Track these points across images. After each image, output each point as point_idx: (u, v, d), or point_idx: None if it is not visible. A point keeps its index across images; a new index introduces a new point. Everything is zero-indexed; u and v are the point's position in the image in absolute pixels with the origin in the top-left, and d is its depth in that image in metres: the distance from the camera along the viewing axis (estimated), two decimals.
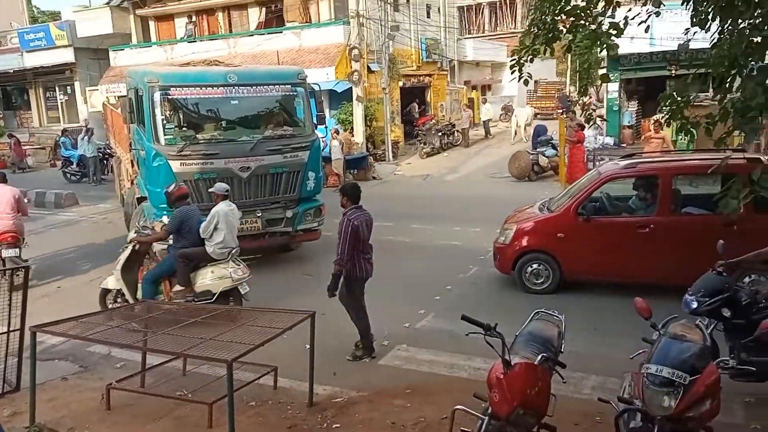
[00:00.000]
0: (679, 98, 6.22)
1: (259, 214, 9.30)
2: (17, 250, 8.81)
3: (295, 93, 9.84)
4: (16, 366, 5.60)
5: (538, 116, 27.83)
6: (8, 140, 24.02)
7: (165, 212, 8.78)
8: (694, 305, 4.90)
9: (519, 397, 3.39)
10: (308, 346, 5.30)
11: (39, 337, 5.11)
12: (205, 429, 4.85)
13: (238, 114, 9.62)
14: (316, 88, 10.38)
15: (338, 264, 6.11)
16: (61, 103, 30.86)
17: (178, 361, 5.88)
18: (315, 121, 10.21)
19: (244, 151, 9.10)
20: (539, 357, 3.60)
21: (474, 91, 31.81)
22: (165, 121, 8.97)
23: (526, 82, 6.27)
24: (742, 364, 4.66)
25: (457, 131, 24.27)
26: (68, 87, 30.14)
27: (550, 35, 5.91)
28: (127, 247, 7.41)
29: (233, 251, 7.36)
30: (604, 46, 6.00)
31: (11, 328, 5.65)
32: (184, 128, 9.19)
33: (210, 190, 7.99)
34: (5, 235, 8.76)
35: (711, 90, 16.74)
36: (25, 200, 10.89)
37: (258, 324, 5.43)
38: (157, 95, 8.91)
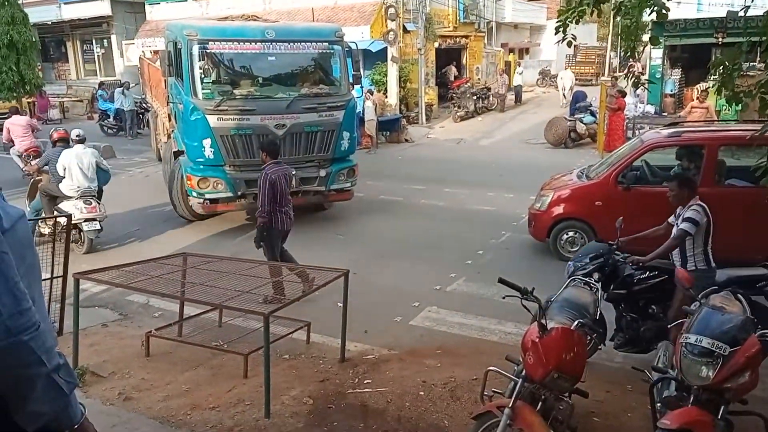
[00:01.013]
0: (730, 66, 6.01)
1: (294, 172, 9.29)
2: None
3: (332, 51, 9.76)
4: (59, 312, 5.82)
5: (577, 81, 27.20)
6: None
7: (202, 167, 8.98)
8: (572, 269, 5.01)
9: (555, 361, 3.39)
10: (340, 304, 5.37)
11: (80, 284, 5.26)
12: (241, 378, 4.97)
13: (275, 71, 9.58)
14: (353, 47, 10.26)
15: (260, 216, 6.55)
16: (98, 56, 31.12)
17: (213, 312, 6.02)
18: (351, 81, 10.12)
19: (280, 108, 9.07)
20: (576, 323, 3.59)
21: (511, 54, 31.16)
22: (203, 76, 8.97)
23: (569, 44, 6.10)
24: (632, 333, 4.93)
25: (493, 95, 23.89)
26: (105, 40, 30.34)
27: None
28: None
29: (83, 190, 8.38)
30: (655, 7, 5.78)
31: (54, 275, 5.86)
32: (221, 83, 9.19)
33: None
34: (29, 150, 12.26)
35: (758, 59, 16.22)
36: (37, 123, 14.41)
37: (293, 279, 5.53)
38: (195, 49, 8.89)
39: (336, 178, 9.67)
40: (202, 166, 9.02)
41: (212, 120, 8.77)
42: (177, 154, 9.87)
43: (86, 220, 8.33)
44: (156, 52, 10.89)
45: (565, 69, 28.58)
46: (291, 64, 9.67)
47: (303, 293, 5.04)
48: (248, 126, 8.92)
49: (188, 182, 9.13)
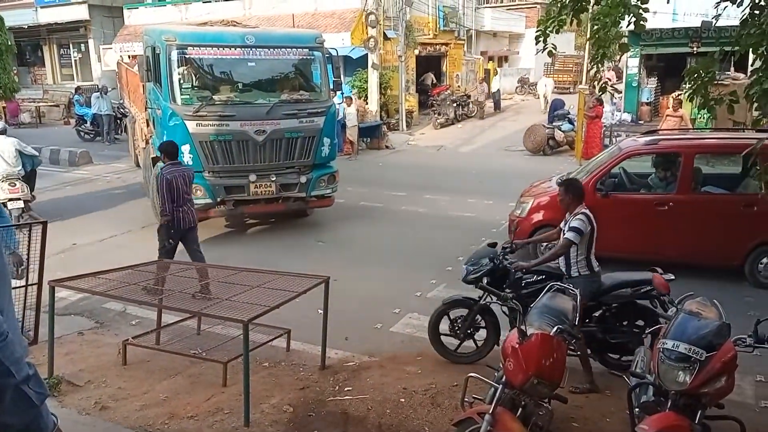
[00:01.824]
0: (703, 74, 6.12)
1: (274, 179, 9.24)
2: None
3: (312, 57, 9.73)
4: (34, 320, 5.71)
5: (555, 90, 27.49)
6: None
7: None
8: (464, 274, 5.22)
9: (534, 366, 3.42)
10: (321, 311, 5.35)
11: (56, 292, 5.17)
12: (220, 387, 4.93)
13: (255, 76, 9.52)
14: (334, 53, 10.24)
15: (163, 215, 6.88)
16: (75, 60, 30.76)
17: (192, 320, 5.95)
18: (332, 87, 10.09)
19: (260, 114, 9.02)
20: (555, 329, 3.62)
21: (490, 62, 31.40)
22: (181, 81, 8.89)
23: (550, 54, 6.17)
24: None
25: (472, 103, 24.05)
26: (82, 45, 30.00)
27: (577, 5, 5.78)
28: None
29: (7, 174, 9.13)
30: (632, 17, 5.87)
31: (29, 282, 5.75)
32: (200, 89, 9.12)
33: None
34: None
35: (732, 69, 16.51)
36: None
37: (272, 287, 5.48)
38: (174, 54, 8.82)
39: (317, 185, 9.62)
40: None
41: (191, 126, 8.69)
42: (155, 160, 9.70)
43: (10, 199, 9.14)
44: (134, 56, 10.77)
45: (545, 76, 28.88)
46: (271, 70, 9.63)
47: (284, 300, 4.98)
48: (228, 132, 8.85)
49: None
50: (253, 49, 9.20)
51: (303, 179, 9.45)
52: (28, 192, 9.55)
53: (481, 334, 5.43)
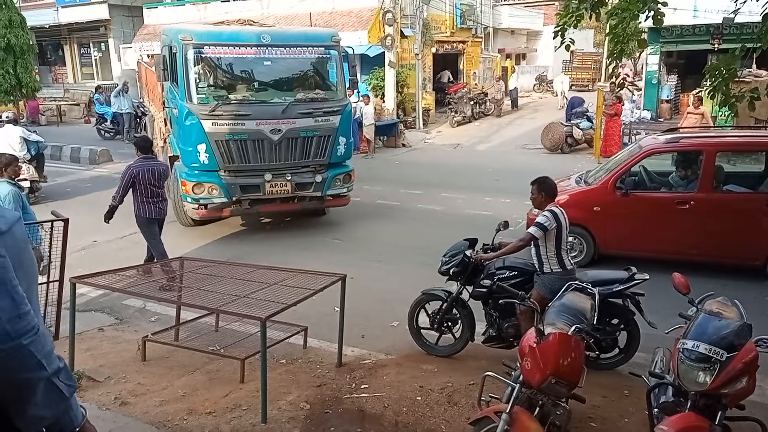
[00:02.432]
0: (724, 71, 6.05)
1: (289, 178, 9.25)
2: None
3: (328, 56, 9.70)
4: (55, 316, 5.80)
5: (573, 87, 27.30)
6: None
7: (197, 172, 8.92)
8: (439, 265, 5.39)
9: (552, 366, 3.39)
10: (337, 309, 5.37)
11: (76, 289, 5.24)
12: (237, 383, 4.96)
13: (271, 75, 9.52)
14: (350, 51, 10.18)
15: (112, 200, 7.38)
16: (96, 59, 31.13)
17: (210, 317, 6.01)
18: (347, 86, 10.03)
19: (275, 113, 9.01)
20: (573, 328, 3.59)
21: (508, 59, 31.26)
22: (198, 80, 8.91)
23: (567, 48, 6.14)
24: (496, 329, 5.21)
25: (489, 101, 23.95)
26: (102, 44, 30.36)
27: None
28: None
29: None
30: (650, 12, 5.82)
31: (51, 279, 5.84)
32: (216, 88, 9.15)
33: None
34: None
35: (754, 65, 16.30)
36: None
37: (289, 284, 5.50)
38: (190, 53, 8.85)
39: (332, 184, 9.60)
40: (196, 172, 8.96)
41: (207, 125, 8.72)
42: (172, 159, 9.82)
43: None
44: (153, 56, 10.80)
45: (563, 73, 28.74)
46: (287, 69, 9.61)
47: (301, 298, 5.00)
48: (243, 131, 8.87)
49: (183, 188, 9.08)
50: (269, 48, 9.22)
51: (318, 178, 9.44)
52: (35, 173, 11.12)
53: (460, 327, 5.54)
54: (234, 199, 9.05)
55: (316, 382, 5.00)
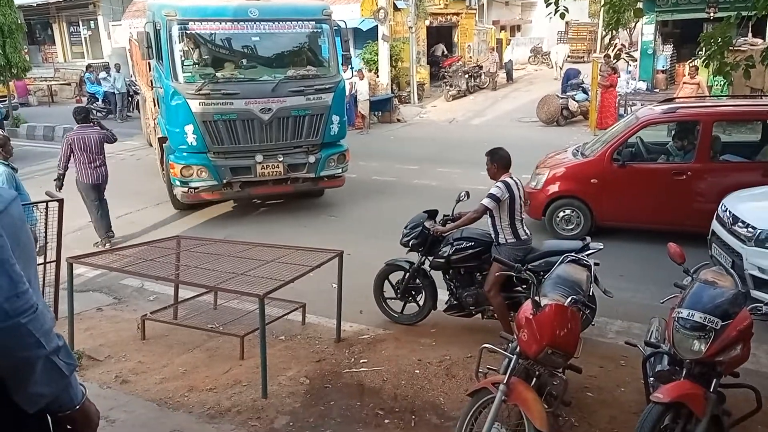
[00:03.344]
0: (720, 39, 6.02)
1: (281, 159, 8.97)
2: None
3: (319, 30, 9.31)
4: (53, 296, 5.80)
5: (569, 59, 27.09)
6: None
7: (185, 154, 8.69)
8: (401, 237, 5.55)
9: (548, 337, 3.42)
10: (335, 285, 5.39)
11: (74, 269, 5.24)
12: (237, 360, 5.00)
13: (260, 52, 9.21)
14: (342, 25, 9.80)
15: (58, 169, 8.13)
16: (85, 38, 30.72)
17: (209, 295, 6.03)
18: (341, 61, 9.71)
19: (265, 92, 8.70)
20: (569, 299, 3.62)
21: (503, 31, 30.96)
22: (183, 58, 8.57)
23: (562, 16, 6.09)
24: (456, 298, 5.36)
25: (484, 74, 23.78)
26: (92, 22, 29.93)
27: None
28: None
29: None
30: None
31: (47, 260, 5.83)
32: (203, 65, 8.80)
33: None
34: None
35: (750, 34, 16.18)
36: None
37: (287, 261, 5.51)
38: (175, 29, 8.47)
39: (326, 164, 9.32)
40: (185, 154, 8.69)
41: (194, 105, 8.40)
42: (161, 140, 9.56)
43: None
44: (138, 32, 10.38)
45: (558, 44, 28.53)
46: (276, 45, 9.24)
47: (299, 275, 5.00)
48: (232, 111, 8.55)
49: (171, 170, 8.83)
50: (258, 23, 8.84)
51: (312, 159, 9.16)
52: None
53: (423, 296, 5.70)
54: (224, 181, 8.80)
55: (316, 357, 5.04)
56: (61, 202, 6.34)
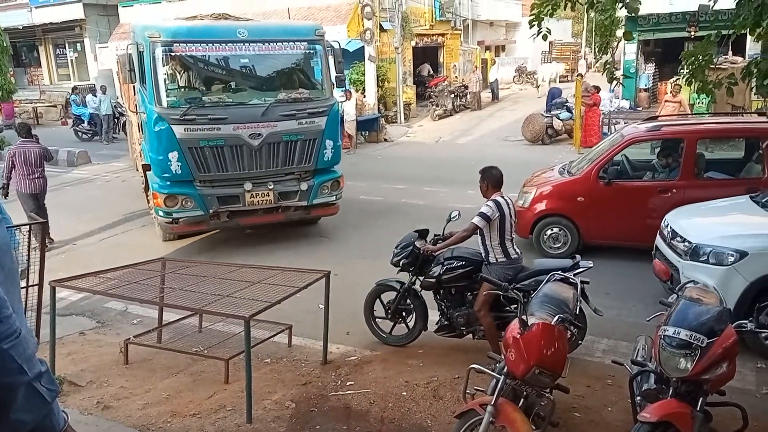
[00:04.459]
0: (701, 57, 6.12)
1: (272, 187, 8.50)
2: None
3: (312, 51, 8.81)
4: (35, 320, 5.70)
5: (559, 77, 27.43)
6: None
7: (168, 183, 8.19)
8: (391, 257, 5.52)
9: (536, 356, 3.40)
10: (322, 306, 5.35)
11: (57, 292, 5.17)
12: (222, 384, 4.93)
13: (249, 74, 8.77)
14: (335, 45, 9.17)
15: (1, 179, 8.94)
16: (71, 60, 30.68)
17: (193, 318, 5.96)
18: (334, 83, 9.17)
19: (254, 116, 8.22)
20: (556, 318, 3.61)
21: (488, 51, 31.31)
22: (168, 81, 8.11)
23: (545, 37, 6.16)
24: (447, 318, 5.36)
25: (470, 93, 23.99)
26: (78, 44, 29.92)
27: None
28: None
29: None
30: (626, 1, 5.86)
31: (30, 284, 5.75)
32: (188, 89, 8.39)
33: None
34: None
35: (730, 52, 16.47)
36: None
37: (273, 282, 5.47)
38: (158, 52, 7.98)
39: (319, 192, 8.82)
40: (168, 183, 8.17)
41: (178, 131, 7.89)
42: (146, 167, 9.05)
43: None
44: (120, 54, 9.88)
45: (547, 63, 28.93)
46: (267, 67, 8.80)
47: (285, 296, 4.95)
48: (219, 136, 8.07)
49: (154, 200, 8.35)
50: (247, 44, 8.37)
51: (304, 186, 8.67)
52: None
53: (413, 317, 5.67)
54: (211, 211, 8.29)
55: (302, 380, 4.98)
56: (44, 224, 6.28)
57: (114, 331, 6.35)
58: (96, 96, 19.65)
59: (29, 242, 6.05)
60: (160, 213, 8.32)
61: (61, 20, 28.42)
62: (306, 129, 8.55)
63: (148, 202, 9.26)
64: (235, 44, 8.36)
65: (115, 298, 5.66)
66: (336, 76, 9.19)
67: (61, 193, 12.87)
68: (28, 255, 5.75)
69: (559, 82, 26.21)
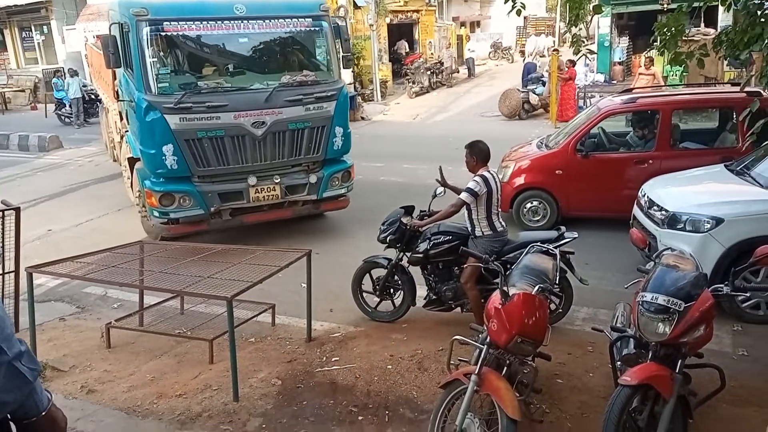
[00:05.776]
0: (673, 28, 6.16)
1: (278, 180, 7.74)
2: None
3: (318, 28, 7.94)
4: (13, 308, 5.63)
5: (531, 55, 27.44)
6: None
7: (163, 179, 7.38)
8: (378, 233, 5.57)
9: (517, 326, 3.46)
10: (304, 285, 5.36)
11: (34, 279, 5.10)
12: (206, 364, 4.93)
13: (249, 55, 7.87)
14: (341, 23, 8.32)
15: None
16: (38, 43, 29.81)
17: (175, 300, 5.93)
18: (341, 64, 8.42)
19: (257, 102, 7.43)
20: (536, 288, 3.66)
21: (463, 27, 31.20)
22: (158, 65, 7.20)
23: (519, 13, 6.14)
24: (436, 293, 5.43)
25: (446, 70, 23.94)
26: (45, 26, 29.05)
27: None
28: None
29: None
30: None
31: (5, 270, 5.66)
32: (182, 74, 7.50)
33: None
34: None
35: (702, 24, 16.61)
36: None
37: (254, 262, 5.45)
38: (146, 31, 7.08)
39: (329, 184, 8.09)
40: (163, 179, 7.37)
41: (173, 121, 7.10)
42: (132, 161, 8.27)
43: None
44: (99, 36, 8.79)
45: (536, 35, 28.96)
46: (268, 47, 7.89)
47: (267, 275, 4.93)
48: (219, 126, 7.28)
49: (148, 199, 7.49)
50: (245, 22, 7.51)
51: (313, 179, 7.96)
52: None
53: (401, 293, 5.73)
54: (212, 210, 7.53)
55: (287, 357, 5.00)
56: (17, 210, 6.16)
57: (94, 315, 6.28)
58: (63, 80, 19.20)
59: (3, 229, 5.96)
60: (155, 213, 7.53)
61: (25, 2, 27.58)
62: (314, 115, 7.80)
63: (136, 198, 8.38)
64: (232, 21, 7.49)
65: (94, 282, 5.60)
66: (343, 56, 8.50)
67: (34, 179, 12.63)
68: (2, 242, 5.66)
69: (533, 57, 26.23)
